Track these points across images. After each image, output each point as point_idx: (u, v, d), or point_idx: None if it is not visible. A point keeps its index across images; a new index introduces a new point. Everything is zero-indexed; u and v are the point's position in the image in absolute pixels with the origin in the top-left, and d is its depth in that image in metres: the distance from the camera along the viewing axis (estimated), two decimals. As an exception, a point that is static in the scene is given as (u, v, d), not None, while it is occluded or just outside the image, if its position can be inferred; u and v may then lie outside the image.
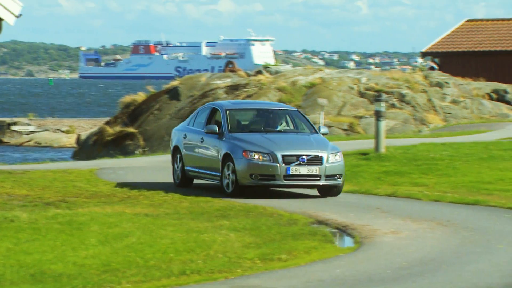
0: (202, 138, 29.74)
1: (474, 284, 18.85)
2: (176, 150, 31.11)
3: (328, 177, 28.31)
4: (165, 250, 21.68)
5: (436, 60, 76.43)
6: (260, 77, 63.76)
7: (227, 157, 28.06)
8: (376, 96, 49.01)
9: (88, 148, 60.76)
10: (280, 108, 32.48)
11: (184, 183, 31.03)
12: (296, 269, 20.41)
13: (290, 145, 28.35)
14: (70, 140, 71.55)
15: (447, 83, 64.67)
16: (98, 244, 22.00)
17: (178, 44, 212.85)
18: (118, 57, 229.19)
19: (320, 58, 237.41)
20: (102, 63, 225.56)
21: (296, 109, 31.66)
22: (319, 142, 29.29)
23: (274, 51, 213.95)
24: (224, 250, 21.75)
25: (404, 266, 20.78)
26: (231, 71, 69.49)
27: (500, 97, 66.12)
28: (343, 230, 25.52)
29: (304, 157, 27.85)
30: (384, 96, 44.82)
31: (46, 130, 74.98)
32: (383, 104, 40.18)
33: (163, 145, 57.36)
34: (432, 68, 72.00)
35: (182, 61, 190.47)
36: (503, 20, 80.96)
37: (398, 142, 42.60)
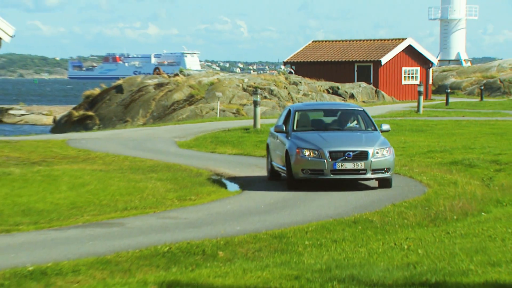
0: (277, 137, 24.60)
1: (317, 214, 18.93)
2: (267, 147, 25.85)
3: (375, 171, 22.67)
4: (113, 193, 21.65)
5: (293, 67, 76.62)
6: (177, 78, 63.56)
7: (287, 154, 23.05)
8: (253, 90, 48.77)
9: (61, 126, 60.26)
10: (346, 108, 26.45)
11: (273, 177, 25.13)
12: (201, 205, 20.71)
13: (339, 142, 23.03)
14: (49, 120, 71.32)
15: (300, 82, 64.95)
16: (68, 190, 21.94)
17: (135, 56, 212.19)
18: (94, 64, 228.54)
19: (217, 66, 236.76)
20: (84, 68, 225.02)
21: (362, 109, 25.34)
22: (370, 138, 23.45)
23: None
24: (153, 193, 21.76)
25: (272, 203, 20.83)
26: (158, 74, 69.16)
27: (334, 92, 66.66)
28: (232, 179, 25.50)
29: (350, 153, 22.41)
30: (259, 90, 44.68)
31: (32, 113, 74.60)
32: (258, 96, 40.25)
33: (111, 124, 57.00)
34: (290, 73, 72.01)
35: (138, 67, 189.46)
36: (336, 41, 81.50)
37: (268, 121, 42.43)
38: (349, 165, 22.38)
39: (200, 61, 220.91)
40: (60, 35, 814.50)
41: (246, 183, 24.53)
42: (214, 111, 54.58)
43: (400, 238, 15.52)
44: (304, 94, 63.29)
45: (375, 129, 24.07)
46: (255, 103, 40.09)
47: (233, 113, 55.12)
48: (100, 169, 26.14)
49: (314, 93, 64.51)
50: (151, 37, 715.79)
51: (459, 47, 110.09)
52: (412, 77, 77.11)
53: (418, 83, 72.97)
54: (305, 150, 22.39)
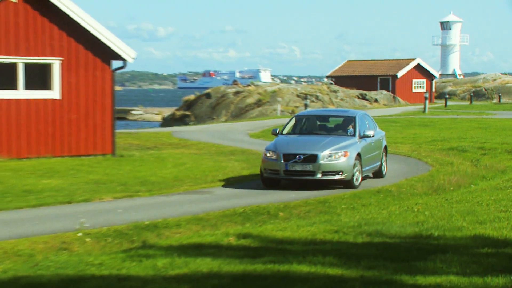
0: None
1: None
2: None
3: (325, 172, 18.00)
4: (204, 170, 21.59)
5: (333, 79, 76.40)
6: (249, 87, 63.55)
7: None
8: (304, 96, 48.73)
9: (167, 122, 60.44)
10: (338, 115, 21.13)
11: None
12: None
13: (297, 146, 18.51)
14: (158, 118, 71.67)
15: (338, 90, 64.49)
16: (172, 167, 22.01)
17: (224, 71, 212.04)
18: (196, 78, 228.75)
19: (278, 79, 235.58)
20: (188, 81, 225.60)
21: (354, 116, 19.95)
22: (331, 143, 18.49)
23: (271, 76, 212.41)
24: (232, 170, 21.68)
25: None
26: (235, 84, 69.31)
27: (363, 97, 66.11)
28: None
29: (300, 155, 17.94)
30: (308, 96, 44.69)
31: (147, 113, 75.12)
32: (308, 100, 40.21)
33: (202, 120, 57.09)
34: (331, 83, 71.57)
35: (226, 80, 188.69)
36: (364, 60, 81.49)
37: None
38: (299, 167, 17.96)
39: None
40: (167, 57, 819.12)
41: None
42: (275, 111, 54.49)
43: (411, 203, 15.45)
44: (341, 99, 62.89)
45: (354, 135, 19.06)
46: (305, 106, 40.14)
47: (289, 112, 54.90)
48: (194, 153, 26.26)
49: (348, 98, 64.06)
50: (230, 58, 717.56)
51: (455, 64, 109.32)
52: (420, 86, 76.86)
53: (424, 91, 73.27)
54: (268, 152, 18.35)
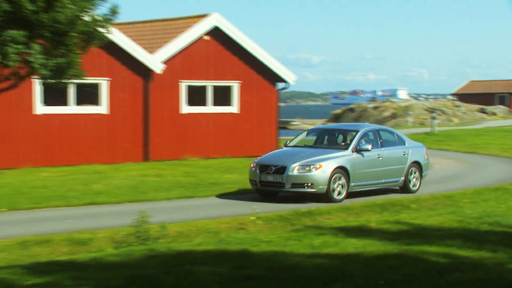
0: None
1: (473, 183, 17.95)
2: None
3: (295, 185, 14.50)
4: None
5: (457, 97, 73.90)
6: (385, 103, 62.53)
7: None
8: (432, 110, 47.32)
9: None
10: (345, 128, 16.63)
11: None
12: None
13: (276, 158, 15.14)
14: (312, 127, 70.72)
15: (460, 105, 62.15)
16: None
17: (368, 90, 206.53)
18: (345, 95, 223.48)
19: (410, 96, 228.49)
20: (339, 98, 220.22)
21: (358, 130, 15.81)
22: (313, 155, 14.88)
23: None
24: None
25: (445, 176, 19.85)
26: (374, 101, 68.39)
27: (482, 111, 63.19)
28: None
29: (272, 167, 14.66)
30: (435, 110, 43.42)
31: (303, 124, 75.11)
32: (435, 114, 38.99)
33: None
34: (454, 100, 69.00)
35: (370, 97, 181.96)
36: (483, 81, 78.81)
37: (441, 128, 40.91)
38: (271, 178, 14.72)
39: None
40: (319, 79, 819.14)
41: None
42: (407, 122, 53.20)
43: (525, 199, 14.62)
44: (463, 113, 60.49)
45: (347, 149, 15.16)
46: (433, 118, 38.91)
47: (419, 124, 53.44)
48: None
49: (469, 112, 61.49)
50: (370, 80, 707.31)
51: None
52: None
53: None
54: (252, 163, 15.32)
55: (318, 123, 71.37)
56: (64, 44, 14.18)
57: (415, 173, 16.54)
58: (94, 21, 14.71)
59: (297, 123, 76.48)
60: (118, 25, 21.32)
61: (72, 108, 20.44)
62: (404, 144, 16.59)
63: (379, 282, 6.65)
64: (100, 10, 14.85)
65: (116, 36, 20.22)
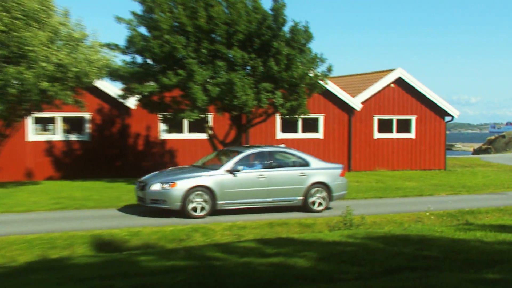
0: None
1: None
2: None
3: (153, 201, 11.38)
4: (502, 180, 18.85)
5: None
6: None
7: None
8: None
9: (477, 151, 53.49)
10: (231, 150, 12.56)
11: None
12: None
13: (153, 176, 11.93)
14: (470, 149, 62.42)
15: None
16: (481, 178, 19.78)
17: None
18: (501, 125, 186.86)
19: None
20: (497, 128, 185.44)
21: (240, 152, 12.00)
22: (180, 174, 11.66)
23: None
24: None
25: None
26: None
27: None
28: None
29: (142, 184, 11.65)
30: None
31: (464, 146, 68.77)
32: None
33: (499, 151, 50.47)
34: None
35: None
36: None
37: None
38: (140, 194, 11.65)
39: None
40: (475, 115, 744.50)
41: None
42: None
43: None
44: None
45: (218, 168, 11.65)
46: None
47: None
48: (495, 170, 23.58)
49: None
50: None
51: None
52: None
53: None
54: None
55: (476, 146, 65.28)
56: (296, 92, 15.28)
57: (320, 193, 12.42)
58: (316, 76, 15.63)
59: (459, 145, 71.17)
60: (331, 78, 22.29)
61: (299, 135, 21.53)
62: (308, 166, 12.39)
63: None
64: (320, 68, 15.77)
65: (330, 85, 21.02)
